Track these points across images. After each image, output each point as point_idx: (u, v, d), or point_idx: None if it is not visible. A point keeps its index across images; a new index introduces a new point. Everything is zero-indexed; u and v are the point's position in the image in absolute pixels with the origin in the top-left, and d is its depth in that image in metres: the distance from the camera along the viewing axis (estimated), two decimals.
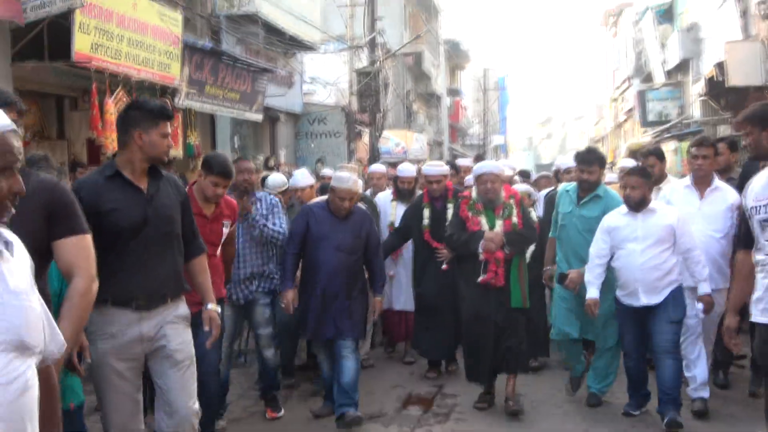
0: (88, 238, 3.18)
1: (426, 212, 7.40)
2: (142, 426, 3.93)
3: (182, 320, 4.03)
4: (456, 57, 47.13)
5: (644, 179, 5.71)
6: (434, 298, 7.19)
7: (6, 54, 8.96)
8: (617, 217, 5.81)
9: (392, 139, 25.65)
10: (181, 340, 3.96)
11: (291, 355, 7.16)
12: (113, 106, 9.56)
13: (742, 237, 4.32)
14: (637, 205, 5.67)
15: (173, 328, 3.94)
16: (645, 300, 5.66)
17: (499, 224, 6.24)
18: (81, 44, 8.93)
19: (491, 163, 6.76)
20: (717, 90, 18.22)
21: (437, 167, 7.72)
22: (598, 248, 5.86)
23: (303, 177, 7.65)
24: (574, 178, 7.45)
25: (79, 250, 3.14)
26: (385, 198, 8.36)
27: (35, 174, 3.22)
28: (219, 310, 4.27)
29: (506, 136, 68.21)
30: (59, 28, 8.77)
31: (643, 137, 31.67)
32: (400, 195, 8.01)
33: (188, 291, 4.08)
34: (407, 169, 8.28)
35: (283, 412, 6.20)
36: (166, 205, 3.97)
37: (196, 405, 4.00)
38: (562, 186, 6.90)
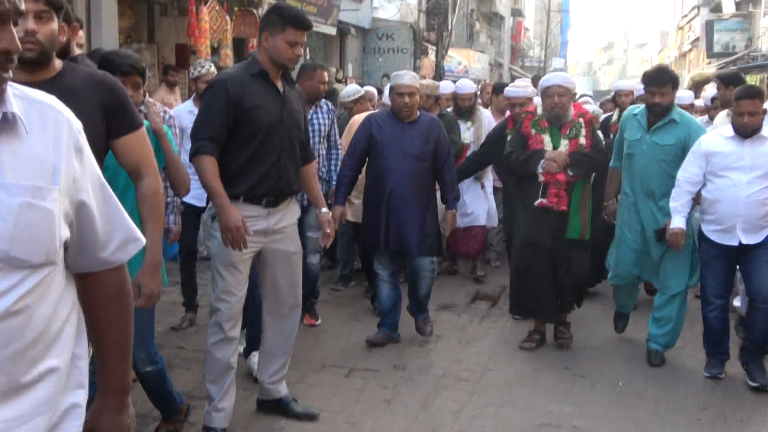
0: (145, 131, 3.05)
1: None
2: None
3: (297, 220, 4.18)
4: None
5: (762, 101, 4.88)
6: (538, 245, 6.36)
7: None
8: (719, 140, 5.02)
9: (455, 58, 25.95)
10: (298, 241, 4.14)
11: (350, 262, 7.29)
12: (207, 14, 10.21)
13: None
14: (753, 133, 4.88)
15: (293, 229, 4.09)
16: (744, 239, 4.89)
17: (564, 144, 5.59)
18: None
19: (561, 75, 5.99)
20: None
21: (521, 88, 7.13)
22: (690, 173, 5.10)
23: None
24: (627, 102, 7.29)
25: (143, 146, 2.99)
26: None
27: (83, 66, 3.00)
28: (330, 214, 4.37)
29: (566, 60, 67.37)
30: None
31: (708, 68, 31.39)
32: (459, 112, 7.64)
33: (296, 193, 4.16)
34: (466, 86, 7.92)
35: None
36: (297, 110, 4.00)
37: (299, 300, 4.18)
38: (628, 109, 6.03)
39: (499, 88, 8.56)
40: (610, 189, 5.88)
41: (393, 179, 5.44)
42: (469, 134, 7.53)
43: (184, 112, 5.89)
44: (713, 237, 5.01)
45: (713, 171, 4.99)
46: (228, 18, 10.92)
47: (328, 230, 4.27)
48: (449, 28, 20.25)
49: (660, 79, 5.45)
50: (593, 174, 5.80)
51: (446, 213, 5.62)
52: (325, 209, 4.27)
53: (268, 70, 3.81)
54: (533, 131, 5.61)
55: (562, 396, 4.66)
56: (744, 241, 4.89)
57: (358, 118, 6.34)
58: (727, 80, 6.69)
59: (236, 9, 11.40)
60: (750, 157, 4.87)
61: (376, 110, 6.67)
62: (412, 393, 4.60)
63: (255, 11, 11.81)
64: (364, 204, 5.74)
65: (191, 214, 5.58)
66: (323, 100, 6.00)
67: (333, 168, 6.14)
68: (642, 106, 5.69)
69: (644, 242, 5.47)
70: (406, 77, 5.56)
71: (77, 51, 3.46)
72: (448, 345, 5.60)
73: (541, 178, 5.48)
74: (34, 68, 2.64)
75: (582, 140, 5.54)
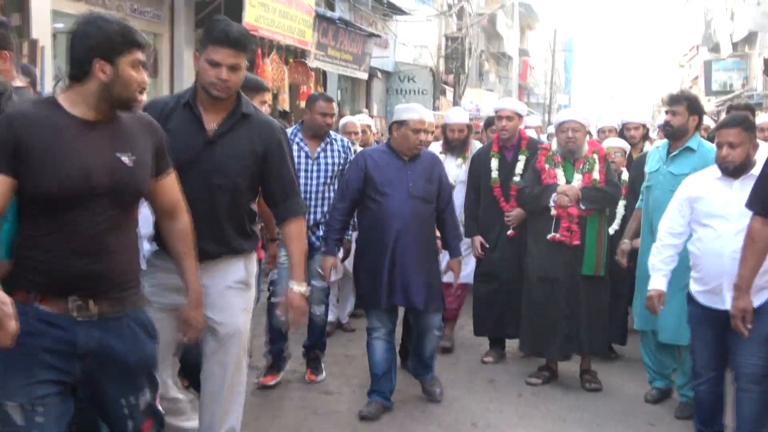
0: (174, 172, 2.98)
1: (494, 163, 6.19)
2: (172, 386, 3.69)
3: (240, 285, 3.54)
4: (527, 17, 48.42)
5: (748, 134, 4.10)
6: (496, 268, 6.13)
7: (190, 22, 11.23)
8: (705, 181, 4.28)
9: (467, 97, 27.61)
10: (230, 312, 3.45)
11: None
12: (269, 65, 11.81)
13: (762, 202, 3.59)
14: (737, 170, 4.10)
15: (225, 297, 3.44)
16: (742, 301, 3.83)
17: (577, 178, 5.58)
18: (249, 16, 11.14)
19: (575, 112, 5.99)
20: None
21: (508, 102, 6.54)
22: (671, 222, 4.43)
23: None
24: (637, 136, 6.98)
25: (177, 186, 2.98)
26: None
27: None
28: (306, 293, 3.57)
29: (570, 96, 69.10)
30: (232, 2, 10.99)
31: (707, 105, 32.92)
32: (449, 147, 6.60)
33: (246, 251, 3.58)
34: (457, 114, 6.84)
35: (324, 375, 5.57)
36: (240, 154, 3.42)
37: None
38: (658, 144, 5.87)
39: (489, 123, 7.90)
40: (630, 227, 5.71)
41: (397, 224, 4.87)
42: (461, 173, 6.52)
43: None
44: (700, 299, 4.23)
45: (697, 219, 4.26)
46: (285, 68, 12.52)
47: (283, 317, 3.63)
48: (466, 70, 21.91)
49: (673, 98, 5.32)
50: (607, 209, 5.76)
51: (451, 261, 5.23)
52: (296, 287, 3.50)
53: (195, 99, 3.37)
54: (547, 166, 5.66)
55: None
56: (727, 306, 3.97)
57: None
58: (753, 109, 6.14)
59: (291, 60, 13.01)
60: (738, 202, 3.97)
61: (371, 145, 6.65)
62: None
63: (305, 61, 13.43)
64: (359, 253, 5.11)
65: None
66: (338, 136, 5.57)
67: None
68: (666, 140, 5.47)
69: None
70: (421, 111, 5.07)
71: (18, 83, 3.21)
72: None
73: (554, 212, 5.52)
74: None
75: (596, 175, 5.57)
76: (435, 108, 22.13)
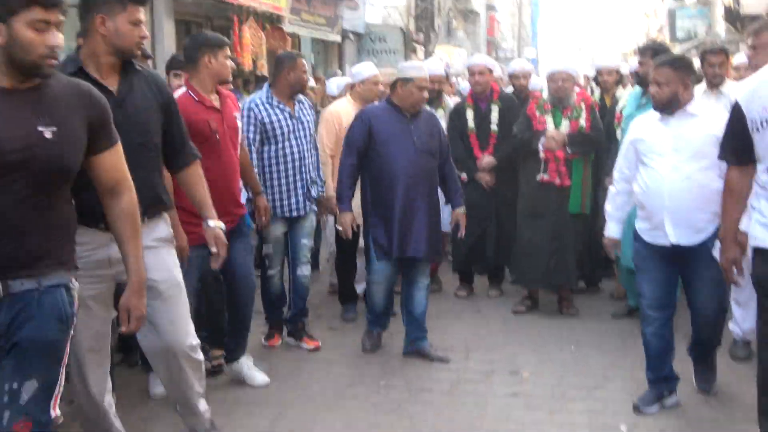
0: (121, 147, 2.78)
1: (469, 114, 6.64)
2: (106, 383, 3.44)
3: (164, 243, 3.48)
4: None
5: (677, 73, 4.15)
6: (476, 208, 6.37)
7: None
8: (646, 123, 4.38)
9: (437, 54, 27.96)
10: (164, 267, 3.41)
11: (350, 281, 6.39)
12: (247, 32, 12.15)
13: (733, 152, 3.49)
14: (664, 106, 4.19)
15: (154, 254, 3.33)
16: (674, 237, 4.13)
17: (565, 124, 6.02)
18: None
19: (565, 63, 6.39)
20: (733, 18, 20.39)
21: (481, 58, 7.19)
22: (620, 166, 4.53)
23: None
24: (610, 81, 7.16)
25: (121, 162, 2.75)
26: None
27: (64, 75, 2.73)
28: (222, 226, 3.67)
29: (537, 49, 69.38)
30: None
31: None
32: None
33: (169, 208, 3.57)
34: (433, 67, 7.04)
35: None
36: (141, 108, 3.33)
37: (191, 340, 3.51)
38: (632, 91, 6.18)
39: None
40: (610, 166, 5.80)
41: (405, 178, 5.04)
42: (443, 125, 6.47)
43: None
44: (645, 236, 4.30)
45: (640, 159, 4.35)
46: (262, 34, 12.85)
47: (214, 249, 3.66)
48: (436, 29, 22.26)
49: (641, 49, 5.88)
50: (592, 153, 6.17)
51: (457, 212, 5.41)
52: (213, 222, 3.63)
53: (91, 65, 3.21)
54: (538, 113, 6.10)
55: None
56: (674, 240, 4.14)
57: (335, 111, 6.16)
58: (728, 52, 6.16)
59: (267, 26, 13.32)
60: (674, 137, 4.17)
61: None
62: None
63: (281, 26, 13.76)
64: (369, 208, 5.21)
65: None
66: (300, 95, 5.41)
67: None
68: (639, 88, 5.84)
69: None
70: (424, 69, 5.25)
71: None
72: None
73: (542, 155, 5.99)
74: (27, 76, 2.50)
75: (582, 122, 6.01)
76: None
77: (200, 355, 3.59)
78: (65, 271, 2.58)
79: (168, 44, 11.25)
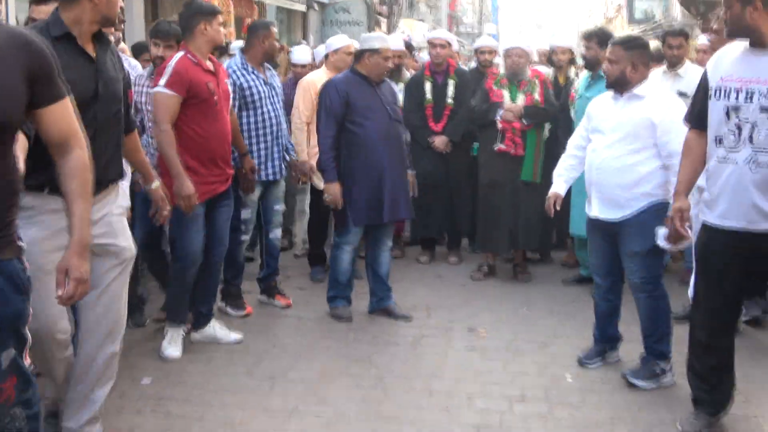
0: (70, 101, 2.59)
1: (427, 86, 7.06)
2: (67, 326, 3.32)
3: (125, 212, 3.61)
4: None
5: (627, 52, 4.37)
6: (431, 177, 6.98)
7: None
8: (601, 100, 4.63)
9: (399, 27, 28.18)
10: (128, 235, 3.48)
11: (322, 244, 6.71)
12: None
13: (696, 116, 3.68)
14: (613, 84, 4.44)
15: (120, 222, 3.42)
16: (596, 211, 4.47)
17: (520, 98, 6.43)
18: None
19: (519, 40, 6.94)
20: (688, 2, 20.99)
21: (441, 32, 7.76)
22: (575, 135, 4.89)
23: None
24: (564, 60, 7.41)
25: (71, 116, 2.58)
26: None
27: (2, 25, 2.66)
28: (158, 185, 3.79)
29: (498, 25, 69.74)
30: None
31: (630, 33, 34.06)
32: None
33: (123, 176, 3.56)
34: (395, 41, 7.13)
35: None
36: (114, 78, 3.33)
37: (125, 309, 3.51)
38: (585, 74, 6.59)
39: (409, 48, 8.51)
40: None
41: (383, 146, 5.34)
42: (401, 97, 6.89)
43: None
44: (586, 208, 4.63)
45: (588, 134, 4.64)
46: (230, 1, 13.00)
47: (162, 207, 3.79)
48: (399, 2, 22.48)
49: (586, 34, 6.40)
50: (545, 124, 6.62)
51: (410, 175, 5.94)
52: (156, 183, 3.78)
53: (77, 31, 3.16)
54: (495, 87, 6.52)
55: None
56: (593, 214, 4.50)
57: (311, 81, 6.32)
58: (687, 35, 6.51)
59: None
60: (615, 117, 4.42)
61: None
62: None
63: None
64: (353, 178, 5.35)
65: None
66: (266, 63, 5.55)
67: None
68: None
69: None
70: (388, 40, 5.54)
71: None
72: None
73: (500, 126, 6.41)
74: None
75: (536, 96, 6.45)
76: None
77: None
78: (12, 236, 2.44)
79: (137, 12, 11.37)
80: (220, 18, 4.64)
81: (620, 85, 4.41)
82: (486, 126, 6.56)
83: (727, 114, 3.43)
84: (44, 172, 2.91)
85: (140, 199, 4.55)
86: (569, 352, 4.91)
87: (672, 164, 4.11)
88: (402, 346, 5.01)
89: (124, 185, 3.72)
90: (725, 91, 3.45)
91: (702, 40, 6.94)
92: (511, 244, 6.65)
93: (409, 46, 8.56)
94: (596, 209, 4.46)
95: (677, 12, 28.89)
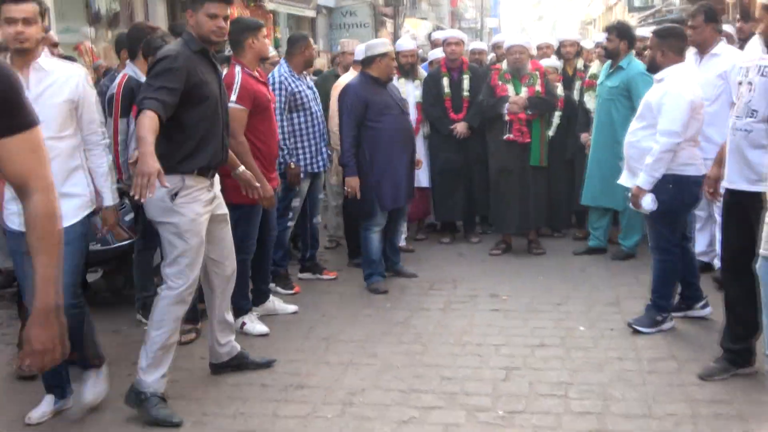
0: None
1: (445, 81, 7.66)
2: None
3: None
4: None
5: (657, 40, 5.00)
6: (451, 164, 7.66)
7: None
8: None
9: (404, 26, 28.89)
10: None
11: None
12: (234, 10, 13.04)
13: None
14: (648, 68, 5.28)
15: (219, 196, 4.26)
16: (623, 179, 5.24)
17: (523, 91, 7.08)
18: None
19: (520, 37, 7.72)
20: None
21: (455, 32, 8.47)
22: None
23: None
24: (572, 53, 8.10)
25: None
26: None
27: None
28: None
29: (499, 19, 70.21)
30: None
31: (630, 22, 34.56)
32: (402, 71, 7.61)
33: None
34: (407, 43, 8.15)
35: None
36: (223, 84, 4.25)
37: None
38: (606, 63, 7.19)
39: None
40: (582, 124, 7.44)
41: (399, 139, 6.15)
42: (418, 93, 7.70)
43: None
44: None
45: None
46: (247, 12, 13.76)
47: (253, 185, 4.55)
48: (404, 3, 23.19)
49: (608, 28, 7.16)
50: (547, 113, 7.30)
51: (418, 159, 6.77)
52: (241, 167, 4.53)
53: (206, 46, 4.03)
54: (500, 82, 7.19)
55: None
56: (622, 182, 5.25)
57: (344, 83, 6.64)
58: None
59: (251, 4, 14.22)
60: (643, 101, 5.12)
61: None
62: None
63: (262, 3, 14.67)
64: (378, 169, 6.09)
65: None
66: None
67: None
68: (609, 61, 7.03)
69: (611, 170, 6.22)
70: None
71: None
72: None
73: (507, 117, 7.07)
74: None
75: (538, 88, 7.13)
76: None
77: None
78: None
79: (161, 22, 12.13)
80: (264, 31, 5.26)
81: (653, 69, 5.09)
82: (494, 119, 7.23)
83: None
84: (193, 159, 3.94)
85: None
86: (582, 309, 5.63)
87: (658, 141, 4.78)
88: (434, 311, 5.71)
89: (109, 187, 4.17)
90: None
91: (725, 28, 6.90)
92: (522, 224, 7.33)
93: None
94: (623, 177, 5.20)
95: None
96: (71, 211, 3.75)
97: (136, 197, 3.40)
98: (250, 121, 4.97)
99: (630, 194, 4.94)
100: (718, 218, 5.19)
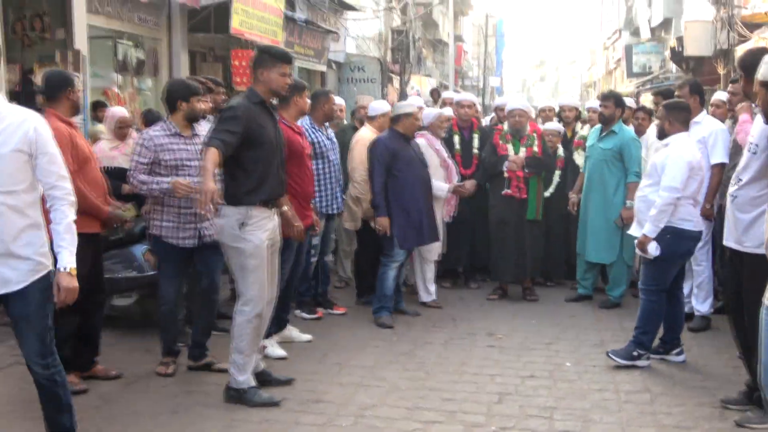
0: None
1: (456, 138, 8.29)
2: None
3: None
4: (461, 3, 50.81)
5: (664, 112, 5.73)
6: (457, 216, 7.98)
7: (185, 28, 13.16)
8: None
9: (409, 84, 29.84)
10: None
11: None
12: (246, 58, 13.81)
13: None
14: (658, 135, 5.89)
15: (278, 226, 4.97)
16: (633, 229, 5.85)
17: (522, 151, 7.74)
18: (235, 22, 13.12)
19: (521, 101, 8.27)
20: (678, 58, 22.55)
21: (468, 95, 9.19)
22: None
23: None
24: (571, 117, 8.75)
25: None
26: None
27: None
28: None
29: (502, 78, 71.64)
30: (220, 11, 12.95)
31: (629, 87, 35.63)
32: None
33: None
34: (468, 97, 8.87)
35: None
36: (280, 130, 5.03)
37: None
38: (595, 127, 8.01)
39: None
40: (577, 185, 8.01)
41: (420, 187, 6.99)
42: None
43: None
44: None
45: None
46: None
47: (294, 223, 5.29)
48: (411, 60, 24.12)
49: (605, 95, 7.88)
50: (543, 172, 7.93)
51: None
52: (287, 205, 5.22)
53: (265, 99, 4.81)
54: (501, 142, 7.88)
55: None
56: (632, 232, 5.85)
57: (364, 138, 7.41)
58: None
59: None
60: (650, 163, 5.95)
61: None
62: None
63: None
64: (399, 212, 6.89)
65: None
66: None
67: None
68: (599, 125, 7.79)
69: (594, 225, 7.52)
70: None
71: None
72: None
73: (506, 175, 7.74)
74: None
75: (535, 148, 7.81)
76: (383, 95, 24.28)
77: None
78: None
79: (183, 72, 12.86)
80: (308, 92, 6.04)
81: (661, 136, 5.81)
82: (495, 175, 7.90)
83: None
84: (255, 193, 4.69)
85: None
86: (570, 348, 6.23)
87: (660, 196, 5.44)
88: (436, 345, 6.31)
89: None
90: None
91: (719, 95, 7.73)
92: (518, 273, 7.93)
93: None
94: (634, 228, 5.79)
95: (672, 66, 30.43)
96: (20, 275, 3.51)
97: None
98: (288, 166, 5.41)
99: (637, 242, 5.63)
100: (696, 268, 6.49)
